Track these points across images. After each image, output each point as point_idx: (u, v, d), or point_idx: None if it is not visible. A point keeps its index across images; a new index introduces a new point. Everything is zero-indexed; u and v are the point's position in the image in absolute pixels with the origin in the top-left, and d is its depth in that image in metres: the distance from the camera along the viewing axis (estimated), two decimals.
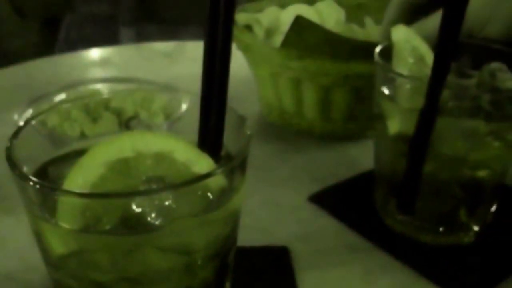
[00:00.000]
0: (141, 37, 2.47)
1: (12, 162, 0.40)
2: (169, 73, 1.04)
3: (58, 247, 0.40)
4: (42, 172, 0.44)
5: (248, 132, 0.44)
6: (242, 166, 0.43)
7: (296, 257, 0.59)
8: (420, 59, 0.61)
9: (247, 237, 0.51)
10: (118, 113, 0.66)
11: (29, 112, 0.73)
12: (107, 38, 2.43)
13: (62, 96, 0.77)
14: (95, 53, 1.15)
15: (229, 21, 0.42)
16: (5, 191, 0.68)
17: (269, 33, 0.85)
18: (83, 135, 0.63)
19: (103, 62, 1.10)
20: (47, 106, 0.72)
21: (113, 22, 2.55)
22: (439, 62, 0.52)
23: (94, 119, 0.65)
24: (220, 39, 0.42)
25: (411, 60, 0.61)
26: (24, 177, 0.39)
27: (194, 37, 1.20)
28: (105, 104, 0.70)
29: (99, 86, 0.80)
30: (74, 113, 0.63)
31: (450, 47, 0.51)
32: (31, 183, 0.38)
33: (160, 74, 1.03)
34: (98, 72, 1.05)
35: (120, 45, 1.74)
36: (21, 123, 0.67)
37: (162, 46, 1.20)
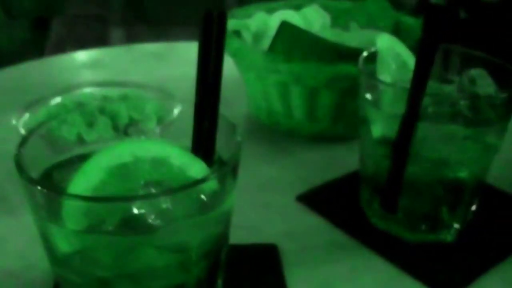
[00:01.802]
0: (130, 37, 2.48)
1: (21, 169, 0.42)
2: (159, 75, 1.05)
3: (63, 246, 0.43)
4: (46, 177, 0.46)
5: (239, 139, 0.47)
6: (233, 171, 0.45)
7: (284, 254, 0.61)
8: (402, 65, 0.63)
9: (238, 236, 0.53)
10: (112, 117, 0.68)
11: (26, 116, 0.75)
12: (97, 39, 2.44)
13: (57, 99, 0.79)
14: (86, 54, 1.16)
15: (221, 38, 0.45)
16: (4, 193, 0.71)
17: (257, 37, 0.87)
18: (80, 138, 0.65)
19: (94, 64, 1.11)
20: (44, 111, 0.75)
21: (103, 22, 2.56)
22: (419, 71, 0.54)
23: (90, 123, 0.67)
24: (213, 57, 0.45)
25: (394, 66, 0.64)
26: (33, 182, 0.42)
27: (183, 36, 1.21)
28: (100, 109, 0.72)
29: (93, 90, 0.82)
30: (71, 117, 0.66)
31: (430, 57, 0.54)
32: (39, 187, 0.41)
33: (151, 75, 1.04)
34: (89, 74, 1.06)
35: (110, 46, 1.75)
36: (23, 131, 0.70)
37: (152, 47, 1.21)
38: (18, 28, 1.86)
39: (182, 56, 1.15)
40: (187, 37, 1.23)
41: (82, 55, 1.17)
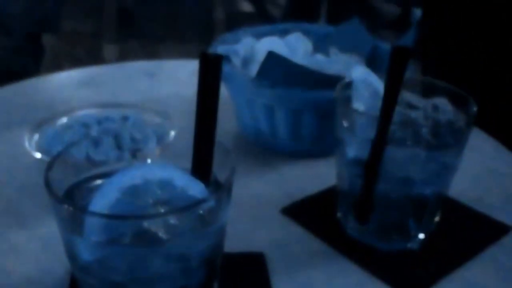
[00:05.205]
0: (123, 53, 2.55)
1: (50, 190, 0.50)
2: (153, 93, 1.10)
3: (84, 255, 0.50)
4: (69, 195, 0.54)
5: (234, 164, 0.54)
6: (228, 192, 0.53)
7: (270, 261, 0.68)
8: (374, 93, 0.71)
9: (229, 245, 0.59)
10: (116, 137, 0.76)
11: (36, 137, 0.82)
12: (91, 55, 2.50)
13: (63, 120, 0.86)
14: (82, 73, 1.21)
15: (217, 78, 0.52)
16: (17, 206, 0.77)
17: (246, 62, 0.94)
18: (88, 158, 0.72)
19: (90, 82, 1.15)
20: (52, 131, 0.82)
21: (96, 39, 2.63)
22: (386, 104, 0.63)
23: (96, 143, 0.75)
24: (210, 93, 0.52)
25: (367, 95, 0.71)
26: (60, 201, 0.49)
27: (174, 53, 1.26)
28: (104, 130, 0.80)
29: (95, 111, 0.89)
30: (79, 138, 0.73)
31: (395, 93, 0.63)
32: (66, 206, 0.49)
33: (145, 94, 1.09)
34: (86, 92, 1.10)
35: (104, 62, 1.82)
36: (37, 153, 0.77)
37: (145, 65, 1.26)
38: (13, 44, 1.91)
39: (173, 75, 1.20)
40: (178, 54, 1.28)
41: (78, 73, 1.21)
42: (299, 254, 0.71)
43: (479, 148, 0.92)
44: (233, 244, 0.63)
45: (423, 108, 0.70)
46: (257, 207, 0.79)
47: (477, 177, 0.87)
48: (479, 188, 0.84)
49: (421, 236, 0.71)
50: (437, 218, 0.72)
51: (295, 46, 0.96)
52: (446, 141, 0.66)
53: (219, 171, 0.55)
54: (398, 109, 0.65)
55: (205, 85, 0.53)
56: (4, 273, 0.67)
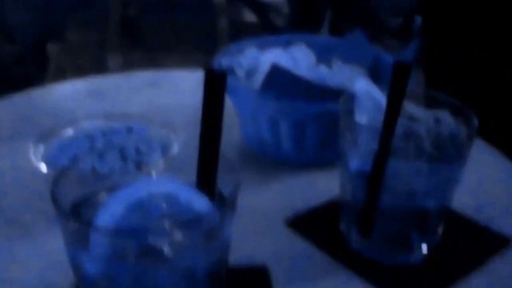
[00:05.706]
0: (127, 63, 2.56)
1: (57, 205, 0.50)
2: (157, 103, 1.10)
3: (90, 269, 0.51)
4: (75, 209, 0.54)
5: (238, 180, 0.55)
6: (233, 207, 0.54)
7: (274, 274, 0.69)
8: (377, 106, 0.72)
9: (232, 257, 0.59)
10: (120, 149, 0.76)
11: (41, 148, 0.82)
12: (95, 64, 2.51)
13: (69, 131, 0.86)
14: (87, 83, 1.21)
15: (222, 94, 0.53)
16: (22, 218, 0.78)
17: (250, 73, 0.95)
18: (93, 170, 0.73)
19: (95, 93, 1.15)
20: (57, 143, 0.83)
21: (101, 49, 2.64)
22: (388, 118, 0.63)
23: (101, 155, 0.75)
24: (215, 108, 0.53)
25: (369, 107, 0.72)
26: (67, 217, 0.50)
27: (177, 63, 1.26)
28: (109, 141, 0.80)
29: (100, 122, 0.89)
30: (85, 150, 0.74)
31: (397, 107, 0.63)
32: (72, 221, 0.49)
33: (149, 103, 1.10)
34: (91, 102, 1.11)
35: (109, 73, 1.82)
36: (42, 165, 0.77)
37: (149, 75, 1.26)
38: (17, 53, 1.93)
39: (177, 85, 1.20)
40: (182, 64, 1.28)
41: (83, 83, 1.21)
42: (303, 266, 0.71)
43: (481, 159, 0.92)
44: (236, 256, 0.62)
45: (425, 121, 0.71)
46: (260, 218, 0.79)
47: (479, 188, 0.87)
48: (480, 200, 0.85)
49: (424, 249, 0.72)
50: (440, 231, 0.73)
51: (298, 58, 0.97)
52: (448, 153, 0.66)
53: (223, 185, 0.56)
54: (401, 121, 0.66)
55: (210, 100, 0.53)
56: (9, 285, 0.67)
